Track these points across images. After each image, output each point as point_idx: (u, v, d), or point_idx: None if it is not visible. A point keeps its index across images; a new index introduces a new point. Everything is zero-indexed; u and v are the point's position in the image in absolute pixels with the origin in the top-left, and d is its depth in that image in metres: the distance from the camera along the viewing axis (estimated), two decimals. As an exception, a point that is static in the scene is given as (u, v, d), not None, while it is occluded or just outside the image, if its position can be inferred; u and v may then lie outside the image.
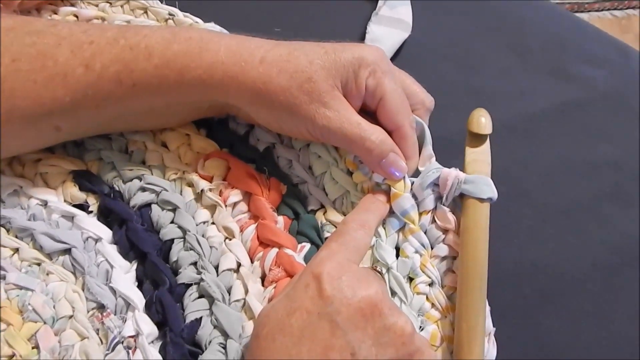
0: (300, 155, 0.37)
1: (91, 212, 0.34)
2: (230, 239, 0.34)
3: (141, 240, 0.32)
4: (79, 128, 0.34)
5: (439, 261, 0.34)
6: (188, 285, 0.32)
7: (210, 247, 0.33)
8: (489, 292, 0.32)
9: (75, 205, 0.34)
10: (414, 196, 0.34)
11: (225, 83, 0.31)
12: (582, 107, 0.45)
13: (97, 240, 0.33)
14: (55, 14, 0.42)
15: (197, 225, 0.34)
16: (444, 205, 0.34)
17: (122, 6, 0.43)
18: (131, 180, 0.35)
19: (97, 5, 0.43)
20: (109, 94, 0.31)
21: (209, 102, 0.34)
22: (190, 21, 0.42)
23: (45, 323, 0.30)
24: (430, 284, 0.34)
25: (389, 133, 0.33)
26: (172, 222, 0.34)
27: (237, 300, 0.31)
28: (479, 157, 0.34)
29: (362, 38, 0.44)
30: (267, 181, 0.35)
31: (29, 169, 0.35)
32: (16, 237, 0.33)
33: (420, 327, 0.33)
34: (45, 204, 0.34)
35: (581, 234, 0.39)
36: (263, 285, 0.33)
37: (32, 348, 0.30)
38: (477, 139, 0.34)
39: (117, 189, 0.35)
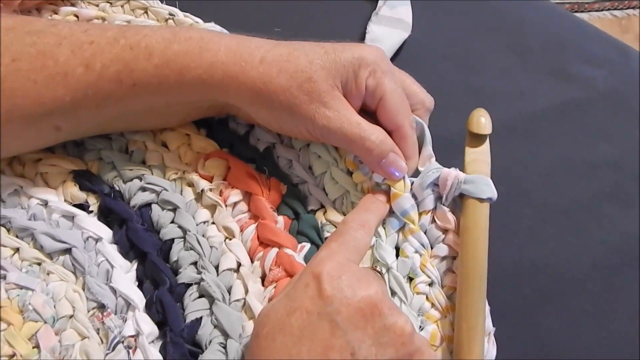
0: (300, 155, 0.37)
1: (91, 211, 0.34)
2: (230, 239, 0.34)
3: (141, 240, 0.32)
4: (79, 128, 0.34)
5: (439, 261, 0.34)
6: (188, 285, 0.32)
7: (211, 247, 0.33)
8: (488, 292, 0.32)
9: (75, 205, 0.34)
10: (414, 196, 0.34)
11: (225, 83, 0.31)
12: (582, 107, 0.45)
13: (98, 240, 0.33)
14: (56, 13, 0.42)
15: (197, 225, 0.34)
16: (443, 205, 0.34)
17: (122, 6, 0.43)
18: (131, 180, 0.35)
19: (97, 5, 0.43)
20: (109, 93, 0.31)
21: (209, 102, 0.34)
22: (190, 21, 0.42)
23: (45, 323, 0.30)
24: (430, 284, 0.34)
25: (389, 133, 0.33)
26: (172, 221, 0.34)
27: (237, 300, 0.31)
28: (479, 157, 0.34)
29: (362, 38, 0.44)
30: (267, 181, 0.35)
31: (29, 169, 0.35)
32: (17, 236, 0.33)
33: (420, 327, 0.33)
34: (45, 203, 0.34)
35: (581, 234, 0.39)
36: (263, 285, 0.33)
37: (33, 347, 0.30)
38: (477, 139, 0.34)
39: (117, 188, 0.35)
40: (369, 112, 0.34)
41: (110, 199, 0.34)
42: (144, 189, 0.34)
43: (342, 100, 0.32)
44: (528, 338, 0.35)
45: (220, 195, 0.35)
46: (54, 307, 0.31)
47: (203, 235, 0.33)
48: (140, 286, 0.32)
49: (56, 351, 0.30)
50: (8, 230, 0.33)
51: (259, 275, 0.33)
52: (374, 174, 0.34)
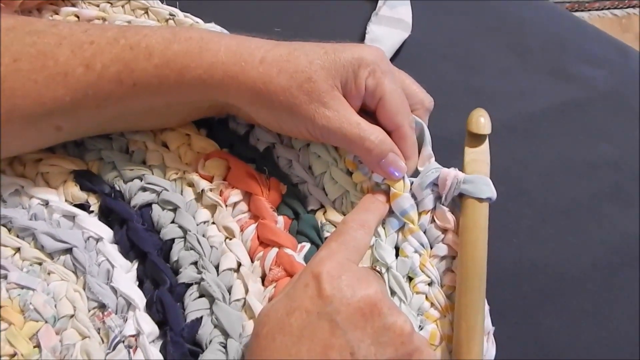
0: (300, 155, 0.37)
1: (92, 211, 0.34)
2: (230, 239, 0.34)
3: (142, 240, 0.33)
4: (80, 128, 0.34)
5: (438, 261, 0.34)
6: (188, 285, 0.32)
7: (211, 246, 0.33)
8: (488, 292, 0.32)
9: (76, 205, 0.34)
10: (414, 196, 0.34)
11: (225, 83, 0.31)
12: (582, 107, 0.45)
13: (98, 239, 0.33)
14: (56, 14, 0.42)
15: (197, 225, 0.34)
16: (443, 205, 0.34)
17: (122, 6, 0.43)
18: (132, 180, 0.35)
19: (98, 6, 0.43)
20: (110, 93, 0.31)
21: (209, 102, 0.34)
22: (190, 21, 0.42)
23: (46, 322, 0.30)
24: (430, 284, 0.34)
25: (389, 133, 0.33)
26: (172, 221, 0.34)
27: (238, 300, 0.32)
28: (478, 157, 0.34)
29: (362, 38, 0.44)
30: (267, 181, 0.35)
31: (30, 169, 0.35)
32: (17, 236, 0.33)
33: (420, 326, 0.33)
34: (46, 203, 0.34)
35: (581, 234, 0.39)
36: (263, 284, 0.33)
37: (34, 347, 0.30)
38: (477, 139, 0.34)
39: (117, 188, 0.35)
40: (368, 112, 0.34)
41: (110, 199, 0.34)
42: (144, 189, 0.35)
43: (342, 100, 0.32)
44: (528, 338, 0.36)
45: (221, 195, 0.35)
46: (55, 306, 0.31)
47: (203, 235, 0.33)
48: (140, 286, 0.32)
49: (57, 351, 0.30)
50: (9, 230, 0.33)
51: (259, 275, 0.33)
52: (373, 174, 0.34)
